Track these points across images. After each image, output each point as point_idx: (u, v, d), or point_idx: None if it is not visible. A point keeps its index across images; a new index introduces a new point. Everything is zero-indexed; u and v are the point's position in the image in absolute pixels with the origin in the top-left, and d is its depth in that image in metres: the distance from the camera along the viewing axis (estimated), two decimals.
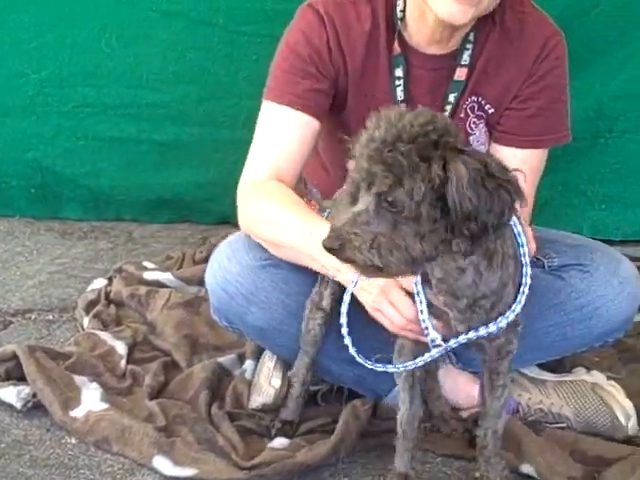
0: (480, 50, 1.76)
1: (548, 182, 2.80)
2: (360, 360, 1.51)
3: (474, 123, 1.82)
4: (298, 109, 1.75)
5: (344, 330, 1.51)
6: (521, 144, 1.82)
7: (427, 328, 1.41)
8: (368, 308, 1.54)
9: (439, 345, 1.42)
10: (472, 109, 1.82)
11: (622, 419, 1.73)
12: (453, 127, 1.21)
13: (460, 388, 1.83)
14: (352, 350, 1.51)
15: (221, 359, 2.00)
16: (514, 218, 1.31)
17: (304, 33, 1.75)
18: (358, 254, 1.21)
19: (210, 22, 2.84)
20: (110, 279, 2.47)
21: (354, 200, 1.25)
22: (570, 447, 1.70)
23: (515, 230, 1.37)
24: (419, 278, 1.40)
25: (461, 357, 1.84)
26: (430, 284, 1.38)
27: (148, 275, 2.44)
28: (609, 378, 1.85)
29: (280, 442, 1.73)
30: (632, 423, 1.74)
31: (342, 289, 1.63)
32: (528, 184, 1.79)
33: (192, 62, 2.94)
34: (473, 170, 1.15)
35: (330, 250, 1.23)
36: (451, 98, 1.78)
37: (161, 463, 1.64)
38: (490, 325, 1.38)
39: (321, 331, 1.74)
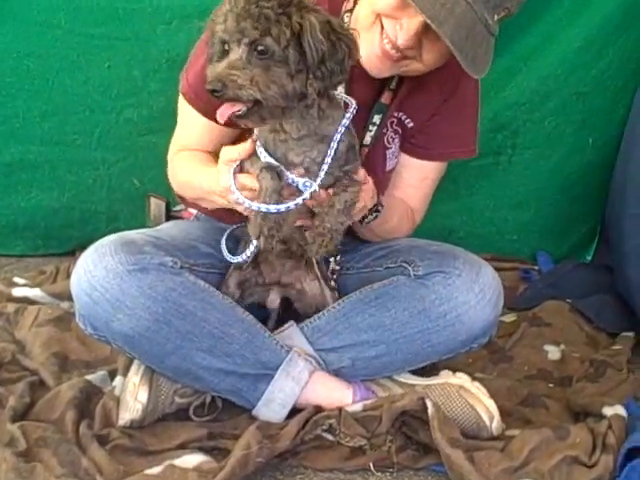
0: (403, 77, 1.85)
1: (450, 210, 2.76)
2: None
3: (392, 137, 1.92)
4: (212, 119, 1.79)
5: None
6: (430, 157, 1.96)
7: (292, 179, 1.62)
8: (242, 210, 1.69)
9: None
10: (391, 123, 1.91)
11: (486, 420, 1.78)
12: None
13: (329, 394, 1.84)
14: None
15: (90, 377, 1.94)
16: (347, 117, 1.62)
17: None
18: (240, 91, 1.44)
19: (50, 23, 2.38)
20: None
21: (223, 57, 1.49)
22: None
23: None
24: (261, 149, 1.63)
25: (331, 364, 1.86)
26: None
27: (17, 292, 2.35)
28: (475, 379, 1.90)
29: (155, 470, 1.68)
30: (495, 423, 1.78)
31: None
32: (427, 194, 2.04)
33: (32, 71, 2.55)
34: (321, 23, 1.45)
35: (214, 92, 1.45)
36: (376, 119, 1.86)
37: None
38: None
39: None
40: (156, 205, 2.22)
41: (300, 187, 1.62)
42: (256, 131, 1.66)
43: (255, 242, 1.71)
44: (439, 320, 1.80)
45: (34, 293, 2.35)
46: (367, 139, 1.88)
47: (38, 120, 2.60)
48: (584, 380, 2.05)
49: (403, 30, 1.65)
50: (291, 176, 1.62)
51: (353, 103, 1.66)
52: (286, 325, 1.91)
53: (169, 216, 2.12)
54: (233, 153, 1.66)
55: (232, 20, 1.44)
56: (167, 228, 2.02)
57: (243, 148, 1.64)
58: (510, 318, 2.44)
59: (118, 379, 1.91)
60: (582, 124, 2.67)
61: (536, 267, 2.81)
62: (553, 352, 2.24)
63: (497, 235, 2.84)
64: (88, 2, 2.39)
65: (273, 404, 1.81)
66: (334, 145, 1.61)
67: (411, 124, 1.93)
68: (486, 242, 2.78)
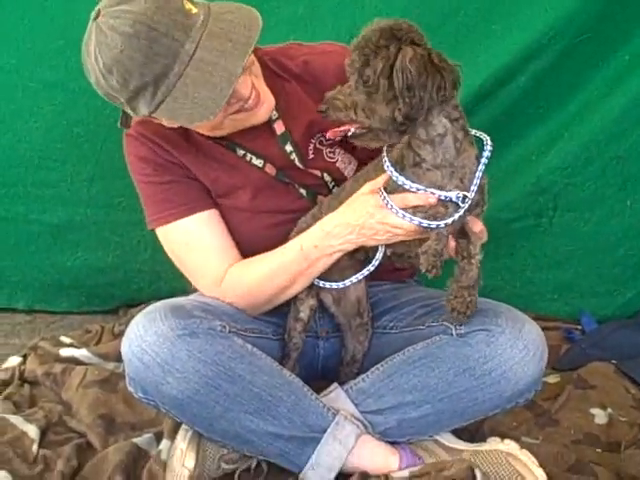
0: (282, 100, 1.92)
1: (490, 270, 2.70)
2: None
3: (330, 152, 1.97)
4: (189, 214, 1.91)
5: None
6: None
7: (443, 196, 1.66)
8: (377, 242, 1.80)
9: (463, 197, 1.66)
10: (321, 143, 1.97)
11: None
12: (415, 29, 1.59)
13: (376, 459, 1.83)
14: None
15: (137, 439, 1.95)
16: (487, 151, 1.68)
17: (137, 156, 1.95)
18: (340, 112, 1.63)
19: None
20: (25, 357, 2.40)
21: None
22: None
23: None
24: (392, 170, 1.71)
25: (377, 426, 1.86)
26: None
27: (64, 352, 2.38)
28: (524, 445, 1.87)
29: None
30: None
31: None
32: None
33: (81, 138, 2.64)
34: (418, 54, 1.53)
35: (321, 112, 1.65)
36: (288, 148, 1.94)
37: None
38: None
39: (301, 338, 1.97)
40: None
41: (454, 199, 1.66)
42: (386, 166, 1.73)
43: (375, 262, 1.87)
44: (484, 378, 1.80)
45: (81, 353, 2.38)
46: (297, 163, 1.95)
47: (86, 184, 2.70)
48: (633, 447, 2.00)
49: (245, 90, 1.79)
50: (442, 192, 1.67)
51: (488, 139, 1.71)
52: (331, 387, 1.92)
53: None
54: (377, 182, 1.74)
55: (352, 54, 1.61)
56: None
57: (383, 178, 1.74)
58: (554, 379, 2.40)
59: (164, 442, 1.92)
60: (621, 187, 2.69)
61: (579, 327, 2.78)
62: (600, 416, 2.18)
63: (538, 295, 2.84)
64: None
65: (320, 468, 1.80)
66: (478, 175, 1.67)
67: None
68: (527, 301, 2.77)
